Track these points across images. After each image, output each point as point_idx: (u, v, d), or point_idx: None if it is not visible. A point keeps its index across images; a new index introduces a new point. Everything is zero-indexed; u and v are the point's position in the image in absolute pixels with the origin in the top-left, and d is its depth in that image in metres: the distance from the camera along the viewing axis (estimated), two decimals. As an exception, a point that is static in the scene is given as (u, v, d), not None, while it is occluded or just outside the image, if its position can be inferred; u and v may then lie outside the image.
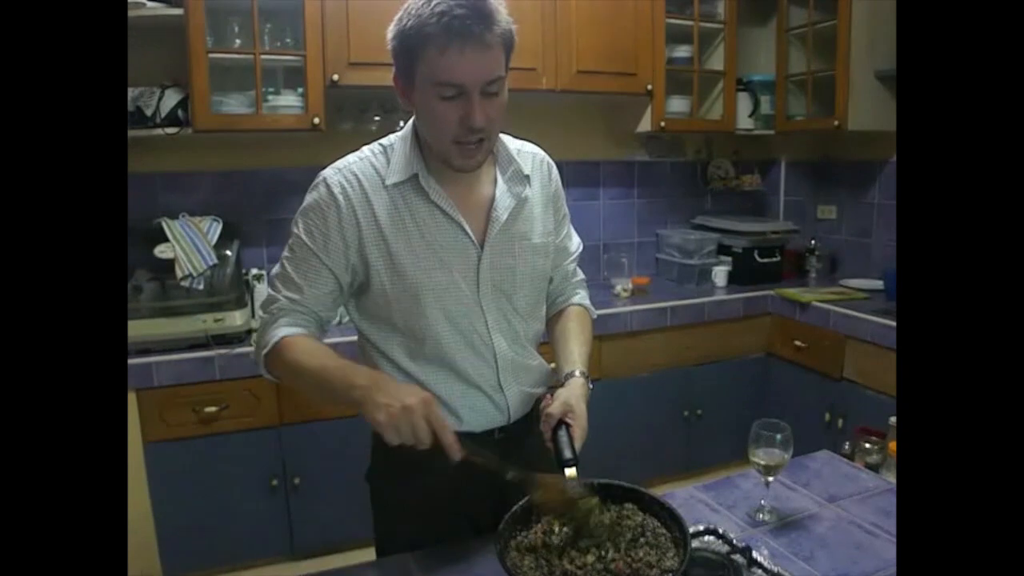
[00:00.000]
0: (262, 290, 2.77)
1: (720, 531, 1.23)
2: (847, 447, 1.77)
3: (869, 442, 1.70)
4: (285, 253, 1.35)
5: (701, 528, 1.24)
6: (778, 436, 1.34)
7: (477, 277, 1.34)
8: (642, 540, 1.10)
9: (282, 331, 1.29)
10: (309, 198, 1.32)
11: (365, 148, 1.36)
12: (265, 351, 1.29)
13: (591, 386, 1.39)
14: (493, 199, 1.36)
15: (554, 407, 1.27)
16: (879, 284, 3.32)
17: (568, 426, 1.26)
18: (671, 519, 1.12)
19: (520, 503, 1.15)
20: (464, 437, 1.36)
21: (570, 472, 1.21)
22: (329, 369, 1.21)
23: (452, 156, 1.25)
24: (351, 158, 1.34)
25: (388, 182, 1.30)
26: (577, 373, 1.38)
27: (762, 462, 1.36)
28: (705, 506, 1.46)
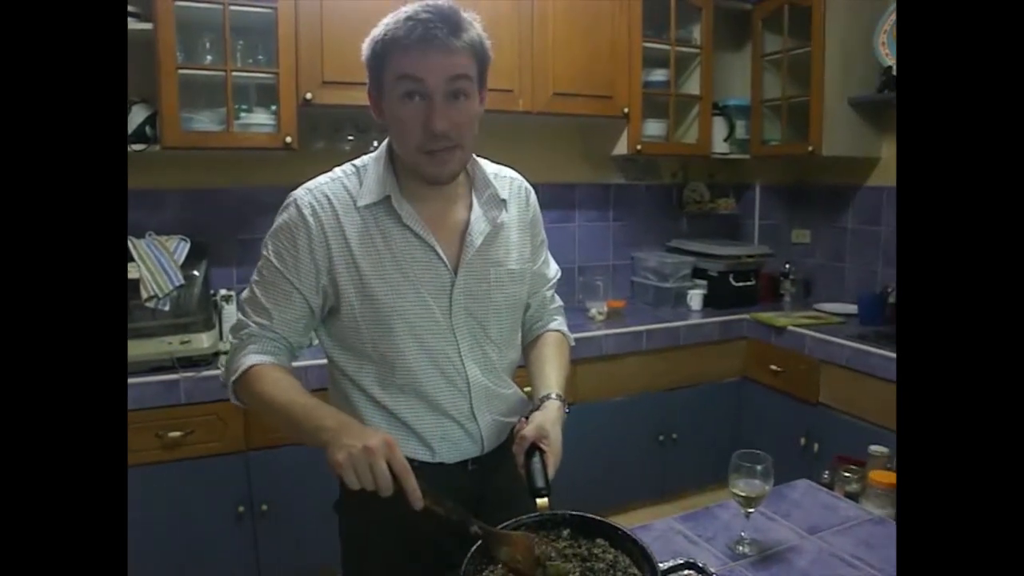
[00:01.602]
0: (231, 311, 2.70)
1: (699, 564, 1.19)
2: (826, 476, 1.75)
3: (848, 471, 1.68)
4: (254, 277, 1.31)
5: (680, 561, 1.20)
6: (758, 467, 1.32)
7: (450, 302, 1.30)
8: None
9: (251, 359, 1.25)
10: (279, 219, 1.29)
11: (337, 169, 1.33)
12: (233, 378, 1.26)
13: (568, 410, 1.36)
14: (468, 223, 1.33)
15: (528, 430, 1.24)
16: (853, 308, 3.34)
17: (542, 452, 1.23)
18: (643, 558, 1.08)
19: (484, 539, 1.09)
20: (437, 469, 1.33)
21: (542, 502, 1.17)
22: (296, 406, 1.17)
23: (422, 165, 1.23)
24: (323, 179, 1.31)
25: (360, 203, 1.27)
26: (554, 396, 1.35)
27: (743, 493, 1.33)
28: (683, 538, 1.43)
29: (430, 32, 1.13)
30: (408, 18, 1.15)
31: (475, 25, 1.20)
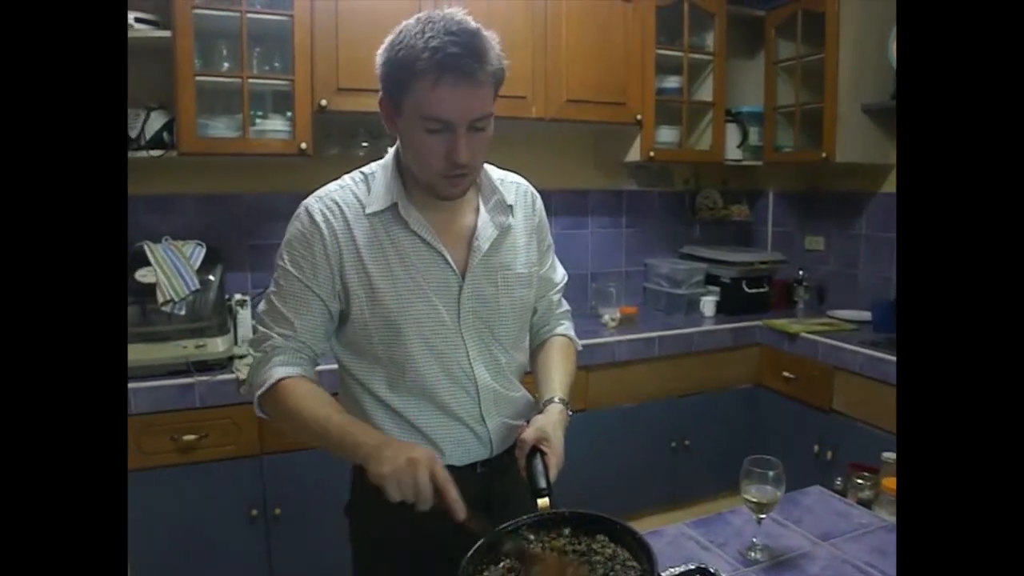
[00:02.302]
0: (245, 316, 2.72)
1: (711, 570, 1.20)
2: (839, 482, 1.74)
3: (861, 478, 1.68)
4: (271, 288, 1.32)
5: (692, 567, 1.21)
6: (770, 473, 1.32)
7: (458, 306, 1.32)
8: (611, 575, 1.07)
9: (279, 371, 1.26)
10: (292, 229, 1.31)
11: (346, 177, 1.35)
12: (260, 392, 1.27)
13: (570, 414, 1.37)
14: (475, 228, 1.34)
15: (528, 433, 1.25)
16: (867, 315, 3.32)
17: (543, 454, 1.24)
18: (640, 549, 1.09)
19: (485, 539, 1.10)
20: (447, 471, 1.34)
21: (543, 502, 1.19)
22: (334, 423, 1.19)
23: (437, 186, 1.25)
24: (332, 187, 1.33)
25: (368, 210, 1.29)
26: (556, 400, 1.36)
27: (754, 499, 1.33)
28: (695, 543, 1.42)
29: (458, 66, 1.12)
30: (436, 48, 1.11)
31: (495, 46, 1.18)
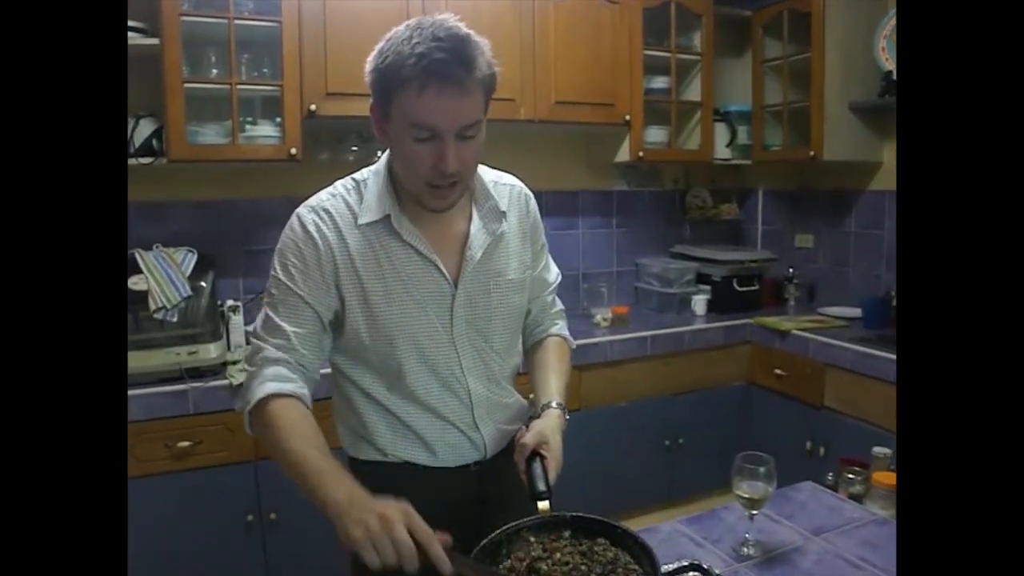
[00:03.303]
0: (238, 322, 2.72)
1: (705, 566, 1.20)
2: (830, 478, 1.75)
3: (852, 473, 1.69)
4: (264, 300, 1.31)
5: (685, 563, 1.21)
6: (761, 469, 1.33)
7: (451, 315, 1.32)
8: None
9: (268, 387, 1.22)
10: (284, 238, 1.30)
11: (338, 184, 1.33)
12: (248, 408, 1.24)
13: (567, 417, 1.38)
14: (468, 236, 1.33)
15: (528, 437, 1.26)
16: (857, 312, 3.34)
17: (542, 458, 1.25)
18: (643, 553, 1.10)
19: (489, 537, 1.11)
20: (439, 472, 1.35)
21: (543, 505, 1.19)
22: (310, 464, 1.13)
23: (425, 197, 1.23)
24: (323, 195, 1.32)
25: (361, 221, 1.27)
26: (554, 404, 1.37)
27: (746, 495, 1.34)
28: (689, 540, 1.43)
29: (445, 73, 1.10)
30: (421, 55, 1.09)
31: (485, 52, 1.16)
